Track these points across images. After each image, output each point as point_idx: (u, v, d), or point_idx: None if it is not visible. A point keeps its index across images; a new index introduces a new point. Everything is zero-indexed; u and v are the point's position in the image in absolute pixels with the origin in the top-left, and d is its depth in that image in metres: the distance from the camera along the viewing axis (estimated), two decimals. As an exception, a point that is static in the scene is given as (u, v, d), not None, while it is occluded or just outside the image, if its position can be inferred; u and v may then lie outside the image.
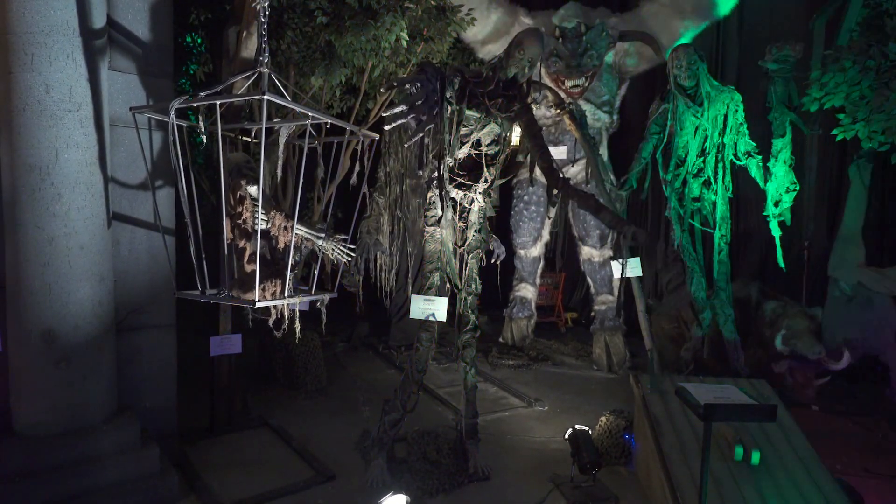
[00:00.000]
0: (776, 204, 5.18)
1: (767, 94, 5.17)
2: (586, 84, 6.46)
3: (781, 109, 5.08)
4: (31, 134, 3.00)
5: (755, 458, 3.18)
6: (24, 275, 3.06)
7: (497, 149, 3.63)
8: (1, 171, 3.12)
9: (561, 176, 3.25)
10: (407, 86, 3.02)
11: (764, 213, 5.27)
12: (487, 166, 3.61)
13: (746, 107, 5.29)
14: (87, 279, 3.18)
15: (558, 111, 5.01)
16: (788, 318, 5.32)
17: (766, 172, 5.18)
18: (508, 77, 3.45)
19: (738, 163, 5.25)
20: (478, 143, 3.62)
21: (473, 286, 3.85)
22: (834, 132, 4.92)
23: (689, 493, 2.97)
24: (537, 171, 7.25)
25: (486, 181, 3.65)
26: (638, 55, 6.69)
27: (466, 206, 3.76)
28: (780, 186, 5.14)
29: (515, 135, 6.35)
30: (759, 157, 5.16)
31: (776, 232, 5.24)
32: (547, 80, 6.63)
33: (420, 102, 2.88)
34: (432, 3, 4.69)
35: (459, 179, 3.64)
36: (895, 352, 5.25)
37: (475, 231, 3.82)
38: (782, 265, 5.33)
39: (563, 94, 6.39)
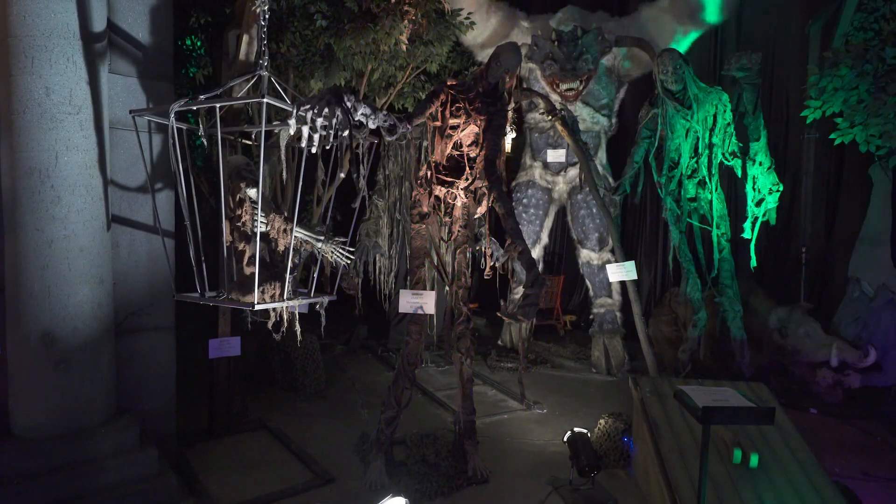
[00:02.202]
0: (757, 204, 5.25)
1: (739, 100, 5.26)
2: (581, 87, 6.49)
3: (755, 114, 5.19)
4: (31, 136, 3.01)
5: (753, 461, 3.18)
6: (23, 277, 3.06)
7: (478, 150, 3.83)
8: (1, 173, 3.13)
9: (498, 174, 3.60)
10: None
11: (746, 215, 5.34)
12: (469, 166, 3.82)
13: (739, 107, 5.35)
14: (87, 281, 3.18)
15: (550, 117, 5.05)
16: (801, 325, 5.36)
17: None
18: (490, 85, 3.75)
19: (725, 162, 5.30)
20: (459, 145, 3.84)
21: (463, 279, 3.96)
22: (832, 136, 4.95)
23: (687, 495, 2.97)
24: (536, 174, 7.29)
25: (467, 179, 3.85)
26: (635, 59, 6.72)
27: (450, 201, 3.92)
28: (762, 188, 5.22)
29: (507, 144, 6.41)
30: (739, 160, 5.26)
31: (749, 234, 5.31)
32: (543, 83, 6.66)
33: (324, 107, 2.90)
34: (432, 7, 4.71)
35: (443, 177, 3.84)
36: None
37: (460, 226, 3.97)
38: (753, 266, 5.39)
39: (556, 98, 6.44)
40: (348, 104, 2.93)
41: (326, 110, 2.81)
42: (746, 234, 5.37)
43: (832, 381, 5.27)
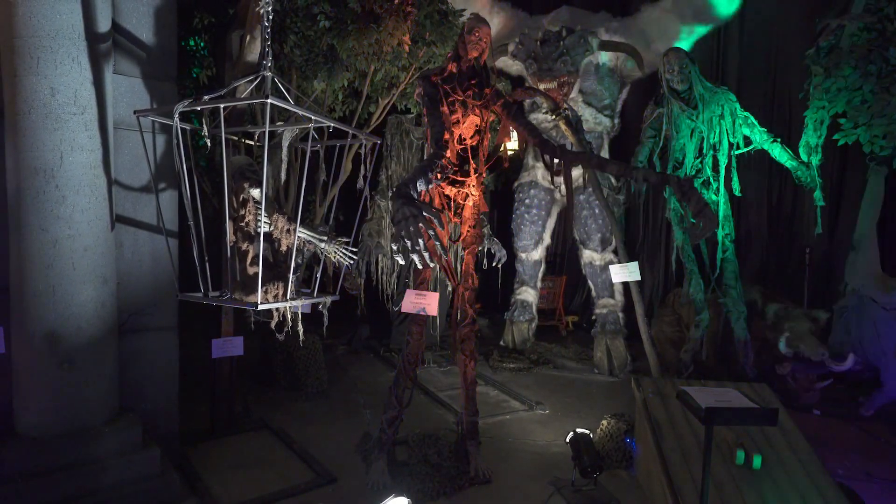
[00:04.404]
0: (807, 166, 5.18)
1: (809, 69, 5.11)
2: (559, 90, 6.47)
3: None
4: (37, 137, 3.02)
5: (757, 462, 3.18)
6: (28, 276, 3.07)
7: (479, 139, 3.75)
8: (6, 173, 3.14)
9: (556, 144, 3.44)
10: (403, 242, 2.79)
11: (811, 185, 5.23)
12: (473, 157, 3.71)
13: (747, 107, 5.32)
14: (91, 281, 3.19)
15: (554, 116, 5.04)
16: (791, 321, 5.32)
17: (806, 150, 5.16)
18: (469, 61, 3.65)
19: (743, 150, 5.26)
20: (462, 139, 3.71)
21: (470, 281, 3.88)
22: (835, 137, 4.94)
23: (690, 496, 2.96)
24: (538, 174, 7.27)
25: (476, 172, 3.73)
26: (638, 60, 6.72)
27: (461, 202, 3.78)
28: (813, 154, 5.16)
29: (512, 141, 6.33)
30: (779, 139, 5.21)
31: (821, 201, 5.19)
32: (531, 83, 6.66)
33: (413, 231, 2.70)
34: (435, 7, 4.72)
35: (452, 176, 3.69)
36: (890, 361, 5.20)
37: (470, 226, 3.85)
38: (818, 232, 5.29)
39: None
40: (415, 195, 2.84)
41: (417, 225, 2.66)
42: (820, 203, 5.27)
43: (794, 375, 5.23)
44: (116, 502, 3.14)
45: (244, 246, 3.37)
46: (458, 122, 3.64)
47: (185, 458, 3.99)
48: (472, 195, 3.77)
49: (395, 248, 2.72)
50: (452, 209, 3.77)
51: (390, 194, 6.78)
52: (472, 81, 3.67)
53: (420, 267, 2.81)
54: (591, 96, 6.68)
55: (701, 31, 6.40)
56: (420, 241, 2.65)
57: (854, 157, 6.25)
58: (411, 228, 2.65)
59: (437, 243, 2.82)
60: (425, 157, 3.81)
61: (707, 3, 6.14)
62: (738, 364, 5.37)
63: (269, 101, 2.80)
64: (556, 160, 3.48)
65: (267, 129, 2.89)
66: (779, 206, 7.20)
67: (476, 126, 3.72)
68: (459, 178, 3.70)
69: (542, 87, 6.39)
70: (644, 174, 3.09)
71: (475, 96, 3.64)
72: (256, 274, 3.16)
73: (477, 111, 3.67)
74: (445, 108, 3.56)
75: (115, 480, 3.18)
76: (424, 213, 2.70)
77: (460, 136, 3.70)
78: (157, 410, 3.74)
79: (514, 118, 3.67)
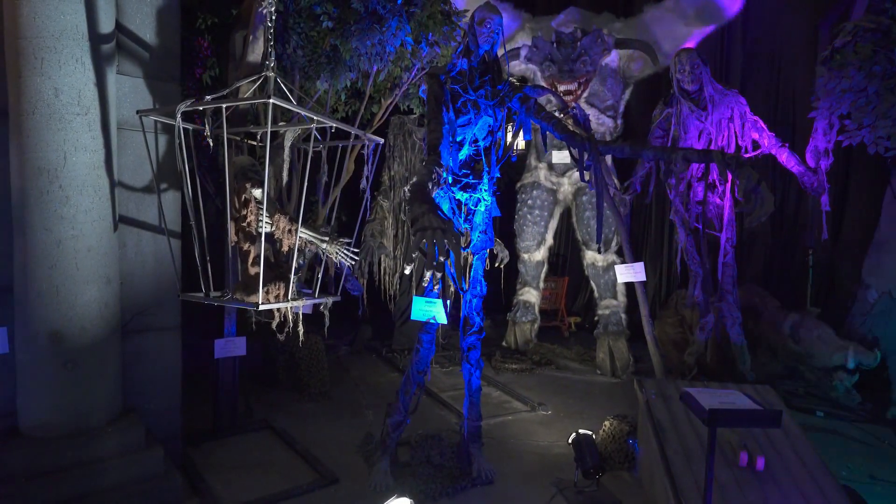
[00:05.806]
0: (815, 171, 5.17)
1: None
2: (579, 90, 6.48)
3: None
4: (40, 137, 3.03)
5: (760, 464, 3.16)
6: (31, 276, 3.08)
7: (491, 139, 3.59)
8: (10, 173, 3.15)
9: (585, 134, 3.20)
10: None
11: (819, 191, 5.21)
12: (485, 159, 3.56)
13: (752, 108, 5.30)
14: (94, 281, 3.20)
15: (562, 116, 5.02)
16: (818, 329, 5.41)
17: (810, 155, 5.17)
18: (480, 55, 3.46)
19: (751, 154, 5.26)
20: (474, 139, 3.56)
21: (479, 288, 3.79)
22: (839, 138, 4.92)
23: (693, 498, 2.95)
24: (541, 175, 7.25)
25: (489, 175, 3.54)
26: (641, 60, 6.71)
27: (472, 207, 3.63)
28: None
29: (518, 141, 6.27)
30: (787, 144, 5.23)
31: (827, 206, 5.19)
32: (544, 85, 6.66)
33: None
34: (437, 8, 4.72)
35: (465, 180, 3.52)
36: None
37: (480, 232, 3.71)
38: (825, 238, 5.32)
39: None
40: (432, 196, 2.62)
41: (442, 241, 2.34)
42: (826, 208, 5.28)
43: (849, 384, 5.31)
44: (119, 502, 3.15)
45: (246, 246, 3.38)
46: (469, 123, 3.42)
47: (187, 459, 3.99)
48: (485, 200, 3.59)
49: (413, 255, 2.47)
50: (464, 215, 3.58)
51: (392, 195, 6.78)
52: (485, 78, 3.45)
53: (425, 285, 2.71)
54: (594, 97, 6.68)
55: (704, 31, 6.39)
56: (442, 258, 2.37)
57: (858, 160, 6.22)
58: (434, 242, 2.32)
59: (452, 263, 2.64)
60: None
61: (710, 3, 6.13)
62: (737, 369, 5.36)
63: (271, 101, 2.80)
64: (584, 153, 3.21)
65: (269, 130, 2.89)
66: (782, 209, 7.18)
67: (489, 127, 3.52)
68: (472, 182, 3.51)
69: (561, 88, 6.40)
70: (684, 154, 2.88)
71: (488, 95, 3.41)
72: (258, 274, 3.17)
73: (490, 111, 3.44)
74: (452, 113, 3.31)
75: (117, 480, 3.19)
76: (450, 231, 2.39)
77: (473, 136, 3.52)
78: (159, 410, 3.75)
79: (535, 113, 3.45)
